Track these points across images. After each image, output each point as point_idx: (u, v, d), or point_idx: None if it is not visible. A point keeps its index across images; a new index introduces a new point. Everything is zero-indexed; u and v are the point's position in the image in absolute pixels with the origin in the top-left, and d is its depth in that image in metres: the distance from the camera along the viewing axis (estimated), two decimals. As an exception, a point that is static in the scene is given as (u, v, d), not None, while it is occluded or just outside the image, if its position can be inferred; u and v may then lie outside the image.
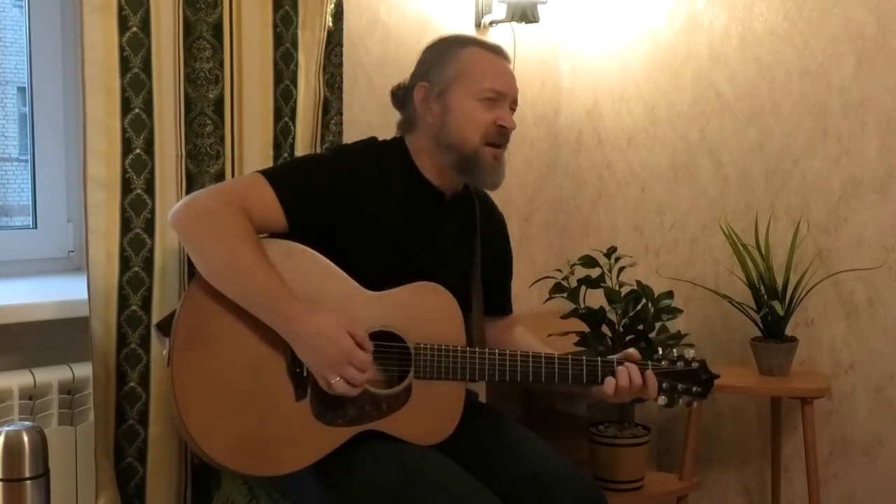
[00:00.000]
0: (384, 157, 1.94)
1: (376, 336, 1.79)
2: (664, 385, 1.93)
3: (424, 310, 1.85)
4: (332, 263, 1.82)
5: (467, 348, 1.85)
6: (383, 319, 1.81)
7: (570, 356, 1.90)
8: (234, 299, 1.72)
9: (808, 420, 2.52)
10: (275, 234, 1.86)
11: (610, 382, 1.87)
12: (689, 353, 1.97)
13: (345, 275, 1.82)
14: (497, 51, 1.99)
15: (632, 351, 1.94)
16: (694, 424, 2.64)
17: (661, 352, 1.98)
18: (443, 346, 1.82)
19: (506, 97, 1.95)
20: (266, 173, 1.84)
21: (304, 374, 1.75)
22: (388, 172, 1.91)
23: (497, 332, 2.07)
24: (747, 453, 2.95)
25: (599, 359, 1.90)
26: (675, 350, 1.98)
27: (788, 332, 2.65)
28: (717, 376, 1.97)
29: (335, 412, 1.76)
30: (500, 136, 1.93)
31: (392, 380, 1.82)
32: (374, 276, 1.83)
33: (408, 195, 1.92)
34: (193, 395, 1.72)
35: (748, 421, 2.94)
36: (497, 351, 1.87)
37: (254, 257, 1.72)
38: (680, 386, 1.93)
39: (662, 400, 1.94)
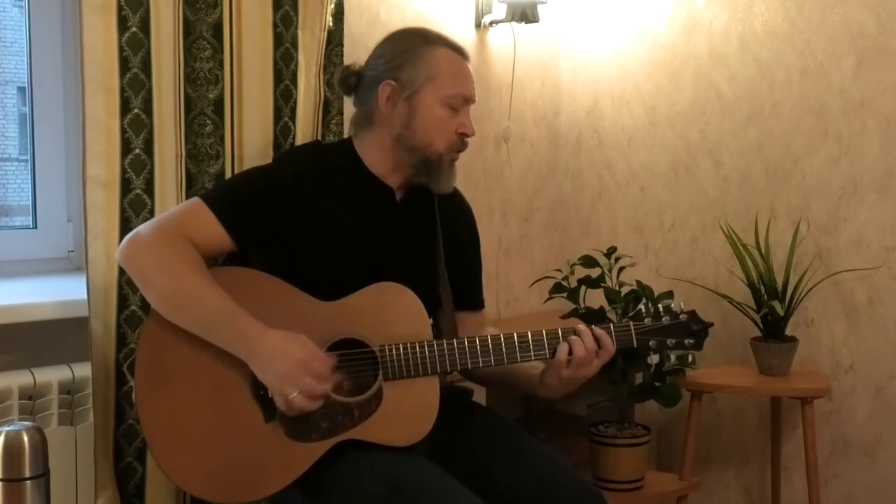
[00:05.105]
0: (329, 158, 1.93)
1: (339, 345, 1.76)
2: (651, 343, 1.86)
3: (385, 310, 1.81)
4: (283, 282, 1.80)
5: (434, 341, 1.81)
6: (344, 327, 1.78)
7: (528, 331, 1.84)
8: (188, 328, 1.72)
9: (808, 420, 2.52)
10: (230, 257, 1.86)
11: (562, 349, 1.81)
12: (676, 306, 1.90)
13: (298, 291, 1.80)
14: (464, 54, 1.94)
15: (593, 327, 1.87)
16: (694, 424, 2.64)
17: (643, 309, 1.89)
18: (408, 344, 1.79)
19: (468, 103, 1.91)
20: (205, 196, 1.83)
21: (270, 394, 1.73)
22: (335, 173, 1.89)
23: (468, 332, 1.95)
24: (747, 453, 2.95)
25: (559, 329, 1.84)
26: (660, 305, 1.90)
27: (788, 332, 2.65)
28: (711, 324, 1.91)
29: (308, 427, 1.74)
30: (461, 144, 1.91)
31: (364, 387, 1.79)
32: (337, 281, 1.81)
33: (358, 195, 1.89)
34: (163, 434, 1.73)
35: (748, 421, 2.94)
36: (457, 340, 1.82)
37: (201, 283, 1.72)
38: (670, 341, 1.86)
39: (654, 359, 1.87)
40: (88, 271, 1.95)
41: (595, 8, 3.19)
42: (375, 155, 1.92)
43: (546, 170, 3.25)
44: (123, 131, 1.96)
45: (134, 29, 1.96)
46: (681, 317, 1.88)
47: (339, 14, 2.27)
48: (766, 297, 2.62)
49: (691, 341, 1.88)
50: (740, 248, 2.67)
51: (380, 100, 1.89)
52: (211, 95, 2.07)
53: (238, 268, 1.84)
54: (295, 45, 2.17)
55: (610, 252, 2.57)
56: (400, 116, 1.87)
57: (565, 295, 2.54)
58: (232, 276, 1.79)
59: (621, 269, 2.58)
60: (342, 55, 2.28)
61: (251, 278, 1.81)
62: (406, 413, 1.78)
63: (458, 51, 1.93)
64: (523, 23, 2.88)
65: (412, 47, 1.90)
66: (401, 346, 1.79)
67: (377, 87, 1.89)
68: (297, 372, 1.67)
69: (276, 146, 2.16)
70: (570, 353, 1.81)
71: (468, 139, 1.92)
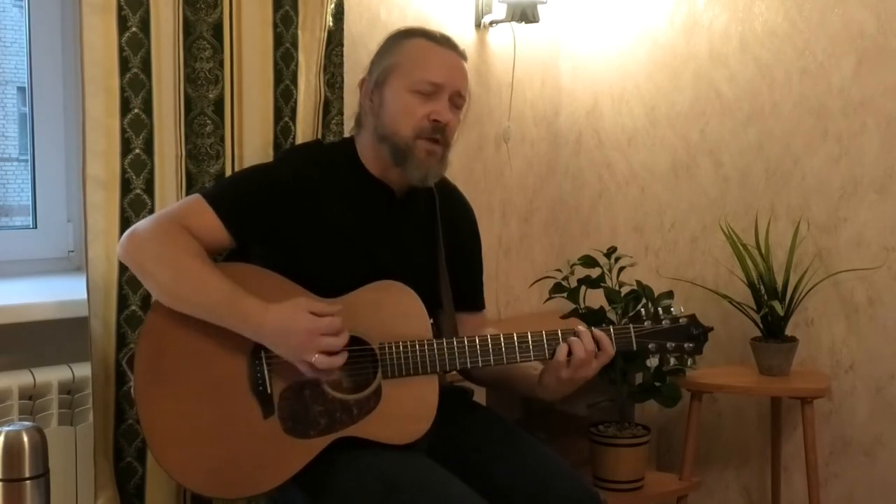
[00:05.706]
0: (329, 158, 1.93)
1: None
2: (651, 346, 1.85)
3: (384, 308, 1.81)
4: (283, 277, 1.80)
5: (433, 340, 1.81)
6: (343, 324, 1.77)
7: (528, 331, 1.84)
8: (193, 314, 1.72)
9: (808, 420, 2.52)
10: (230, 254, 1.87)
11: (561, 349, 1.81)
12: (676, 310, 1.89)
13: (298, 287, 1.80)
14: (442, 41, 1.91)
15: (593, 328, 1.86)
16: (694, 424, 2.64)
17: (643, 312, 1.88)
18: (407, 342, 1.79)
19: (444, 90, 1.85)
20: (206, 194, 1.83)
21: (268, 390, 1.74)
22: (335, 173, 1.89)
23: (468, 333, 1.91)
24: (747, 453, 2.95)
25: (559, 330, 1.83)
26: (660, 308, 1.89)
27: (788, 332, 2.65)
28: (710, 329, 1.89)
29: (306, 424, 1.74)
30: (433, 131, 1.85)
31: (363, 384, 1.78)
32: (336, 280, 1.81)
33: (357, 194, 1.89)
34: (163, 431, 1.72)
35: (748, 421, 2.94)
36: (457, 339, 1.82)
37: (201, 269, 1.73)
38: (669, 344, 1.85)
39: (653, 361, 1.86)
40: (88, 271, 1.95)
41: (595, 8, 3.19)
42: (369, 153, 1.92)
43: (546, 170, 3.25)
44: (123, 131, 1.96)
45: (134, 29, 1.96)
46: (681, 321, 1.87)
47: (339, 14, 2.27)
48: (766, 297, 2.62)
49: (691, 345, 1.87)
50: (740, 248, 2.67)
51: (360, 97, 1.93)
52: (211, 95, 2.07)
53: (238, 263, 1.84)
54: (295, 45, 2.17)
55: (610, 252, 2.57)
56: (373, 108, 1.89)
57: (565, 295, 2.54)
58: (232, 271, 1.79)
59: (621, 269, 2.58)
60: (342, 55, 2.28)
61: (251, 273, 1.81)
62: (405, 411, 1.78)
63: (433, 39, 1.91)
64: (523, 23, 2.88)
65: (389, 42, 1.93)
66: (400, 344, 1.78)
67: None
68: (310, 338, 1.68)
69: (277, 146, 2.16)
70: (570, 354, 1.81)
71: (443, 126, 1.85)
